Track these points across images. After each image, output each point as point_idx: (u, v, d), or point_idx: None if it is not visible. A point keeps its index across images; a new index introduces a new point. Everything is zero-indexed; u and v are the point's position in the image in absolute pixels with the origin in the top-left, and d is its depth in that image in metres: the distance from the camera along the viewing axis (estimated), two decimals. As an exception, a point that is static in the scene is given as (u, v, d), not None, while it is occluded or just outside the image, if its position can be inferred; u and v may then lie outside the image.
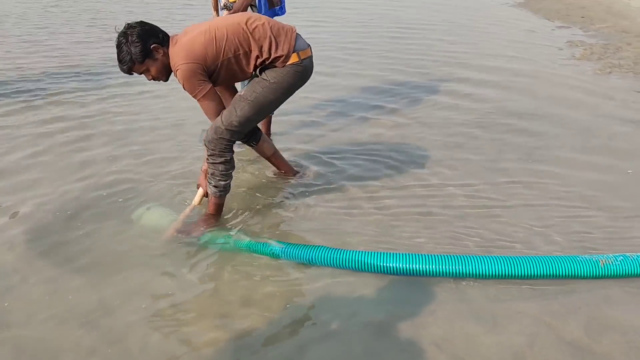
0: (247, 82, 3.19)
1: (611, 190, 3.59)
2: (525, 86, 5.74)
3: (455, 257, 2.70)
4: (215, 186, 3.07)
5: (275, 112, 4.02)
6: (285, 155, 3.80)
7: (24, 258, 2.84)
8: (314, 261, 2.77)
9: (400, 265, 2.67)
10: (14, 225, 3.13)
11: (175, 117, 4.81)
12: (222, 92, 3.34)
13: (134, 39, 2.82)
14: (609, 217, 3.26)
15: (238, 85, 3.64)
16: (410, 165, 3.97)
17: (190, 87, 2.88)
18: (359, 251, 2.77)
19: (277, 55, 2.97)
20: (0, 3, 10.63)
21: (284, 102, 3.21)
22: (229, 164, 3.07)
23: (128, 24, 2.89)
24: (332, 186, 3.62)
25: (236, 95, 3.11)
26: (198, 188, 3.26)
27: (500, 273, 2.63)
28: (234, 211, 3.27)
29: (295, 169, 3.75)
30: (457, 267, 2.65)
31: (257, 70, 3.03)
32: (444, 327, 2.40)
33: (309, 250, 2.79)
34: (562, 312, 2.49)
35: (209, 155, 3.04)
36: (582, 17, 8.75)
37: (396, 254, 2.73)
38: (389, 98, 5.41)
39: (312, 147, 4.23)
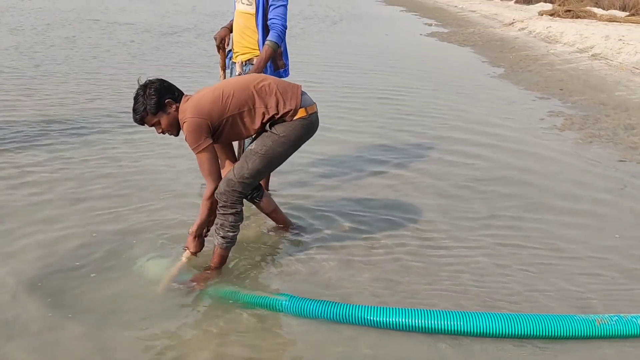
0: (253, 137, 3.30)
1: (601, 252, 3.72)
2: (512, 151, 5.94)
3: (451, 313, 2.73)
4: (223, 237, 3.13)
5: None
6: (282, 209, 3.86)
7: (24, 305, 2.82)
8: (317, 315, 2.79)
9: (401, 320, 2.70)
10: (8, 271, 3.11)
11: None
12: (220, 149, 3.43)
13: (151, 92, 3.00)
14: (603, 281, 3.37)
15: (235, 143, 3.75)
16: (406, 219, 4.08)
17: (192, 139, 3.01)
18: (361, 305, 2.81)
19: (286, 110, 3.11)
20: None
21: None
22: (239, 216, 3.16)
23: (149, 79, 3.07)
24: (328, 240, 3.69)
25: (247, 150, 3.24)
26: (184, 250, 3.25)
27: (500, 332, 2.68)
28: (233, 263, 3.30)
29: (293, 222, 3.83)
30: (451, 323, 2.68)
31: (267, 125, 3.15)
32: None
33: (313, 305, 2.81)
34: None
35: (220, 207, 3.12)
36: (561, 90, 9.13)
37: (397, 309, 2.77)
38: (383, 153, 5.58)
39: (308, 202, 4.31)
